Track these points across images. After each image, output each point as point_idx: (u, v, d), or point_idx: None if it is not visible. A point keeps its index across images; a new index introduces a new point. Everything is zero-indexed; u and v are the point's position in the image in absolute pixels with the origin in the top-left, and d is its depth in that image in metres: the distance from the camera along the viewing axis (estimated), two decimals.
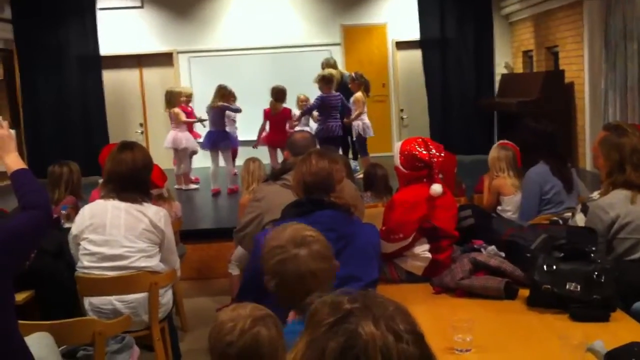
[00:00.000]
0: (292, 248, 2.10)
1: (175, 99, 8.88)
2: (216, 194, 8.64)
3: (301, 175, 2.86)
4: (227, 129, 8.93)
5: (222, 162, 8.78)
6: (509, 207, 4.77)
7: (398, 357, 1.07)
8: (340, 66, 11.60)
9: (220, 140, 8.70)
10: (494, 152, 4.98)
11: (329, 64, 9.55)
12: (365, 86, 9.02)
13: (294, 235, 2.13)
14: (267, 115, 8.80)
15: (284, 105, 8.77)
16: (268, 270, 2.12)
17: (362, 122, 8.93)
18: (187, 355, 4.26)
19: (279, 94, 8.70)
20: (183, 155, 8.95)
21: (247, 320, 1.89)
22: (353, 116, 8.86)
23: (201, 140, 9.03)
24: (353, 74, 9.18)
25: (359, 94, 8.92)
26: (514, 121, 8.11)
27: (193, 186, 9.17)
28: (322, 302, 1.16)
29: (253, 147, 8.87)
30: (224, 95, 8.73)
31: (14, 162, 2.64)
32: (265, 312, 1.96)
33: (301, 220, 2.69)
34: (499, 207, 4.86)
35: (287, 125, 8.83)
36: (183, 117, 8.82)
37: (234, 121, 9.25)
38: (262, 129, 8.95)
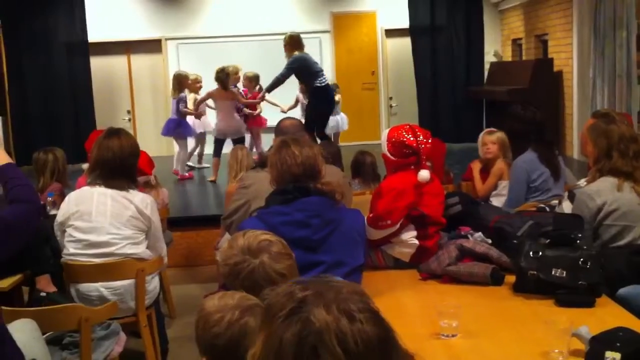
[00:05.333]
0: (253, 258, 2.07)
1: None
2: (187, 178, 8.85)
3: (286, 167, 2.77)
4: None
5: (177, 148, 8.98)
6: (505, 191, 4.75)
7: (354, 338, 1.07)
8: (330, 53, 11.60)
9: (177, 127, 8.82)
10: (490, 136, 4.96)
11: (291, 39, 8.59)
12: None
13: (249, 245, 2.09)
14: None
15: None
16: (238, 287, 2.05)
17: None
18: (174, 342, 4.26)
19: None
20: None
21: (235, 311, 1.87)
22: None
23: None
24: None
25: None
26: (503, 109, 8.10)
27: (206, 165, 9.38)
28: (275, 294, 1.17)
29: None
30: (184, 84, 8.77)
31: (1, 157, 2.62)
32: (254, 302, 1.95)
33: (286, 207, 2.69)
34: (493, 192, 4.86)
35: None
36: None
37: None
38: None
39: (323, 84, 8.09)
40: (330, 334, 1.07)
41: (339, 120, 9.47)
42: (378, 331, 1.11)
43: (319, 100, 8.17)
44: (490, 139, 4.95)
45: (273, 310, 1.14)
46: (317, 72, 8.04)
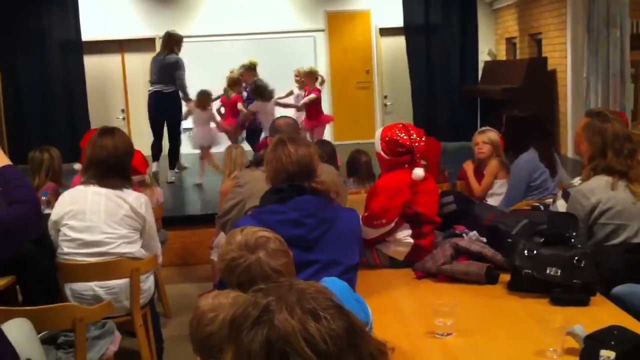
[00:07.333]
0: (250, 254, 2.07)
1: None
2: None
3: (282, 166, 2.77)
4: None
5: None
6: (502, 190, 4.74)
7: (322, 337, 1.06)
8: (324, 52, 11.61)
9: None
10: (482, 136, 4.96)
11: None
12: None
13: (246, 241, 2.09)
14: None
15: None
16: (234, 283, 2.06)
17: None
18: (169, 341, 4.25)
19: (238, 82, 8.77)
20: None
21: (229, 310, 1.87)
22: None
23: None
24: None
25: None
26: (498, 108, 8.13)
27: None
28: (238, 307, 1.15)
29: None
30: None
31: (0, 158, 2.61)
32: None
33: (281, 206, 2.69)
34: (489, 191, 4.85)
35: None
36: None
37: None
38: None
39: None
40: (297, 337, 1.05)
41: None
42: (345, 325, 1.10)
43: None
44: (481, 139, 4.94)
45: (238, 323, 1.12)
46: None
